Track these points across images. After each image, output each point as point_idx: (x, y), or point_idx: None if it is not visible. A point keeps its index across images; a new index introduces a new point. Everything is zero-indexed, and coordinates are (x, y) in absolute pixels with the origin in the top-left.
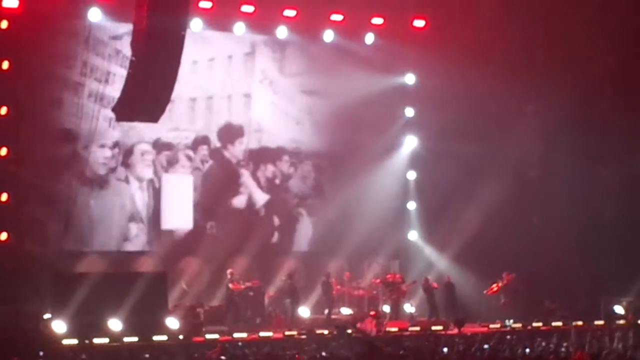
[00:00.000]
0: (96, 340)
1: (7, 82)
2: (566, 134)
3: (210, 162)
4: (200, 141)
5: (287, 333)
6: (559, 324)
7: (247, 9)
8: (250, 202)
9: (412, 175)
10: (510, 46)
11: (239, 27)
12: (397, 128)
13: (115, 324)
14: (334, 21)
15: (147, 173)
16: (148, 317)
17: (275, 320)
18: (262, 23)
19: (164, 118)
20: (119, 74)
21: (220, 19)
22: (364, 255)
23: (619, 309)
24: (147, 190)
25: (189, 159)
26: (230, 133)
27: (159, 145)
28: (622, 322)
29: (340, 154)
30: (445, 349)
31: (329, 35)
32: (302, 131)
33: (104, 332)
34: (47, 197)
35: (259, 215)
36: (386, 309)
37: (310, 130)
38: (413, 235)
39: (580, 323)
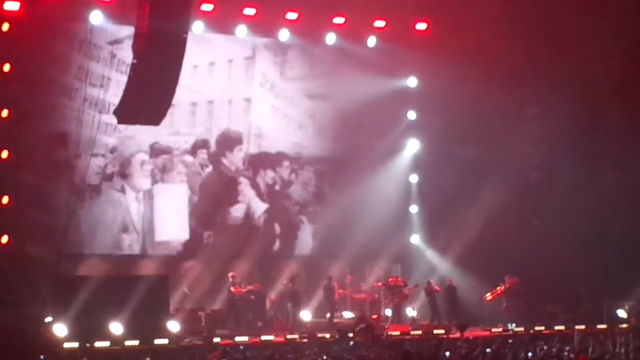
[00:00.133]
0: (97, 344)
1: (8, 85)
2: (569, 137)
3: (210, 167)
4: (200, 145)
5: (288, 337)
6: (562, 327)
7: (249, 11)
8: (249, 212)
9: (414, 178)
10: (513, 49)
11: (241, 30)
12: (399, 131)
13: (116, 328)
14: (336, 24)
15: (145, 183)
16: (149, 321)
17: (276, 323)
18: (263, 26)
19: (164, 122)
20: (119, 78)
21: (221, 21)
22: (366, 258)
23: (621, 313)
24: (143, 200)
25: (186, 165)
26: (229, 140)
27: (156, 151)
28: (624, 325)
29: (342, 158)
30: (447, 353)
31: (331, 38)
32: (303, 135)
33: (105, 336)
34: (48, 200)
35: (259, 224)
36: (388, 312)
37: (312, 134)
38: (415, 239)
39: (583, 327)
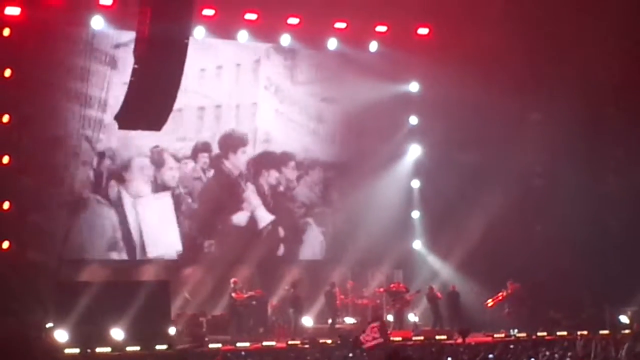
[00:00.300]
0: (98, 350)
1: (9, 90)
2: (571, 142)
3: (211, 172)
4: (201, 148)
5: (290, 342)
6: (564, 333)
7: (250, 16)
8: (253, 220)
9: (416, 183)
10: (515, 54)
11: (242, 35)
12: (401, 136)
13: (117, 333)
14: (338, 29)
15: (143, 189)
16: (150, 326)
17: (278, 329)
18: (265, 31)
19: (170, 127)
20: (120, 82)
21: (223, 26)
22: (368, 264)
23: (624, 319)
24: (139, 207)
25: (184, 171)
26: (233, 141)
27: (155, 155)
28: (627, 331)
29: (344, 162)
30: (449, 359)
31: (332, 43)
32: (308, 139)
33: (107, 341)
34: (49, 206)
35: (263, 232)
36: (390, 318)
37: (316, 139)
38: (417, 244)
39: (585, 332)
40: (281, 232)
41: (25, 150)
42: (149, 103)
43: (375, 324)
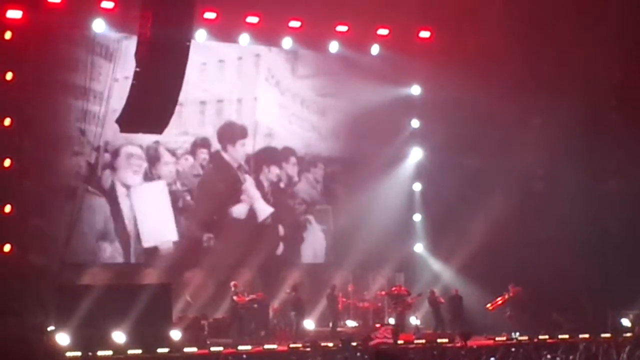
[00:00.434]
0: (100, 353)
1: (10, 93)
2: (572, 146)
3: (210, 164)
4: (200, 143)
5: (291, 345)
6: (566, 336)
7: (252, 19)
8: (252, 213)
9: (417, 187)
10: (516, 58)
11: (244, 38)
12: (402, 139)
13: (119, 337)
14: (339, 32)
15: (134, 179)
16: (152, 330)
17: (279, 332)
18: (267, 34)
19: (173, 122)
20: (122, 85)
21: (224, 29)
22: (370, 267)
23: (626, 322)
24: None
25: (181, 163)
26: (232, 133)
27: (151, 147)
28: (629, 334)
29: (345, 158)
30: None
31: (334, 47)
32: (307, 134)
33: (108, 345)
34: (50, 209)
35: (262, 226)
36: (391, 321)
37: (315, 133)
38: (419, 248)
39: (587, 336)
40: (281, 230)
41: (27, 153)
42: (151, 106)
43: (390, 327)
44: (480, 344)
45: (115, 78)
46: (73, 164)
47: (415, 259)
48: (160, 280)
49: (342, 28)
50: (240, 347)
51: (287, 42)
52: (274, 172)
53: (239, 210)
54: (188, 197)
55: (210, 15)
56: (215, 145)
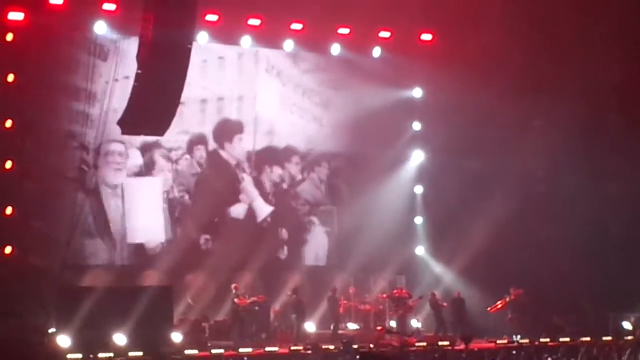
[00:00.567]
0: (101, 355)
1: (12, 95)
2: (573, 148)
3: (207, 163)
4: (196, 141)
5: (292, 348)
6: (567, 339)
7: (254, 22)
8: (251, 213)
9: (419, 189)
10: (518, 61)
11: (246, 41)
12: (404, 142)
13: (120, 339)
14: (341, 34)
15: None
16: (153, 332)
17: (280, 335)
18: (268, 36)
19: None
20: (123, 87)
21: (226, 32)
22: (371, 269)
23: (627, 325)
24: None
25: (176, 162)
26: (228, 130)
27: (145, 147)
28: (630, 337)
29: (348, 155)
30: None
31: (335, 49)
32: (309, 127)
33: (109, 347)
34: (51, 211)
35: (262, 227)
36: (393, 324)
37: (318, 127)
38: (420, 250)
39: (588, 339)
40: (284, 232)
41: (28, 155)
42: (152, 108)
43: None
44: (482, 346)
45: (116, 79)
46: (74, 166)
47: (417, 262)
48: (162, 282)
49: (343, 30)
50: (241, 350)
51: (289, 45)
52: (276, 172)
53: (237, 210)
54: (186, 197)
55: (212, 17)
56: (212, 143)
